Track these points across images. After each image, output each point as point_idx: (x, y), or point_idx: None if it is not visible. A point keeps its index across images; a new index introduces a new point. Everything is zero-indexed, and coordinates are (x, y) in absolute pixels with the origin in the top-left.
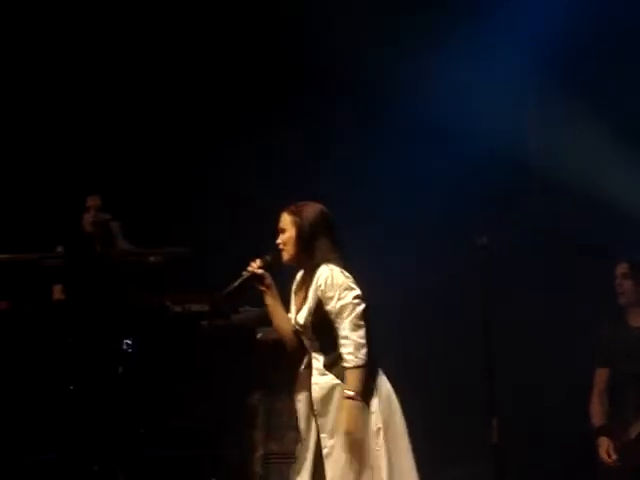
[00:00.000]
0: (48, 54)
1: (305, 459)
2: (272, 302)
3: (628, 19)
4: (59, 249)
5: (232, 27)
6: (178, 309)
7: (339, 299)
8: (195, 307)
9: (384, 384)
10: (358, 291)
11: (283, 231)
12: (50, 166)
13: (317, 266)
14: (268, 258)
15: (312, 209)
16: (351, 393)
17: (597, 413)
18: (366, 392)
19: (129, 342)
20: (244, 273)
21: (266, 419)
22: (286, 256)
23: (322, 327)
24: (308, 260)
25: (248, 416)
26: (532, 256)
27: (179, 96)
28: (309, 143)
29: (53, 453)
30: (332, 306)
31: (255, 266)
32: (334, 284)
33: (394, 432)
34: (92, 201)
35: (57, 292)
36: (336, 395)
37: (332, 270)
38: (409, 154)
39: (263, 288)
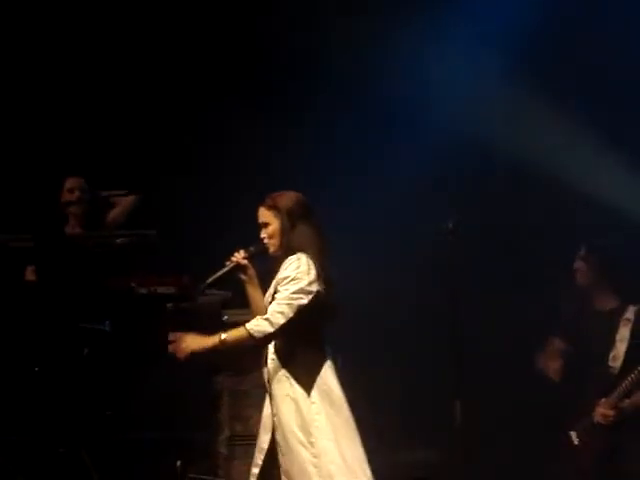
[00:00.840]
0: (24, 30)
1: (262, 440)
2: (253, 292)
3: (596, 9)
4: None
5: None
6: (144, 291)
7: (288, 282)
8: (161, 289)
9: (327, 377)
10: (310, 286)
11: (265, 225)
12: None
13: (293, 253)
14: (252, 249)
15: (288, 198)
16: (223, 336)
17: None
18: (308, 383)
19: (95, 324)
20: (228, 263)
21: (231, 401)
22: (272, 249)
23: None
24: (289, 248)
25: (213, 398)
26: (499, 238)
27: (163, 80)
28: (277, 128)
29: (19, 435)
30: (281, 284)
31: (239, 257)
32: (294, 269)
33: (335, 423)
34: (74, 182)
35: (29, 273)
36: (285, 386)
37: (300, 258)
38: (377, 139)
39: (245, 278)
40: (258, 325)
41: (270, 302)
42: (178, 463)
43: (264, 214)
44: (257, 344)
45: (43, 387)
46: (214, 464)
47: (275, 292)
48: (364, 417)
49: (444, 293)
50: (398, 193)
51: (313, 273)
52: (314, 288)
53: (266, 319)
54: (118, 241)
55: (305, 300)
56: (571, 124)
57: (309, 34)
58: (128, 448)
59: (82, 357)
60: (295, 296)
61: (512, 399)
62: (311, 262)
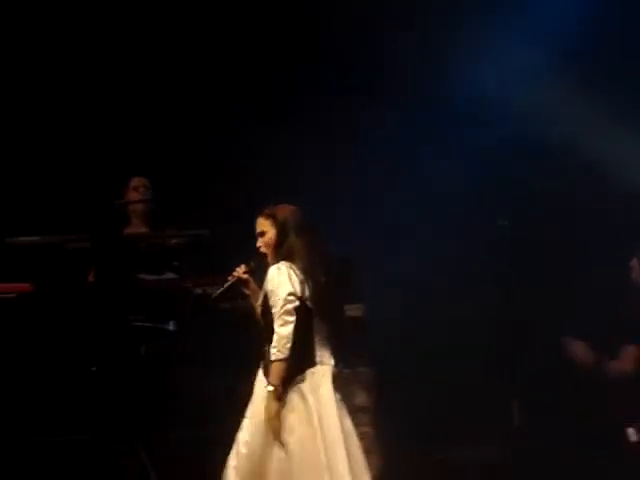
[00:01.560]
0: (78, 34)
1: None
2: (256, 304)
3: None
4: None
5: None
6: (199, 292)
7: (276, 294)
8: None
9: (302, 384)
10: (293, 289)
11: (262, 234)
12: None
13: (278, 262)
14: (252, 264)
15: (285, 210)
16: (270, 388)
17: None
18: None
19: (158, 323)
20: (229, 278)
21: None
22: (267, 257)
23: (265, 317)
24: (281, 257)
25: None
26: (549, 237)
27: (196, 84)
28: (326, 126)
29: (79, 434)
30: (272, 300)
31: (240, 272)
32: (275, 279)
33: (289, 428)
34: (139, 181)
35: (92, 274)
36: (261, 384)
37: (280, 267)
38: (428, 138)
39: (248, 292)
40: (276, 348)
41: (261, 311)
42: None
43: (262, 223)
44: (289, 359)
45: (101, 386)
46: None
47: (264, 302)
48: (419, 416)
49: (500, 292)
50: (452, 193)
51: (295, 279)
52: (299, 291)
53: (278, 338)
54: (173, 242)
55: (296, 302)
56: (624, 124)
57: (356, 35)
58: (186, 446)
59: (140, 356)
60: (286, 301)
61: (570, 399)
62: (291, 271)
